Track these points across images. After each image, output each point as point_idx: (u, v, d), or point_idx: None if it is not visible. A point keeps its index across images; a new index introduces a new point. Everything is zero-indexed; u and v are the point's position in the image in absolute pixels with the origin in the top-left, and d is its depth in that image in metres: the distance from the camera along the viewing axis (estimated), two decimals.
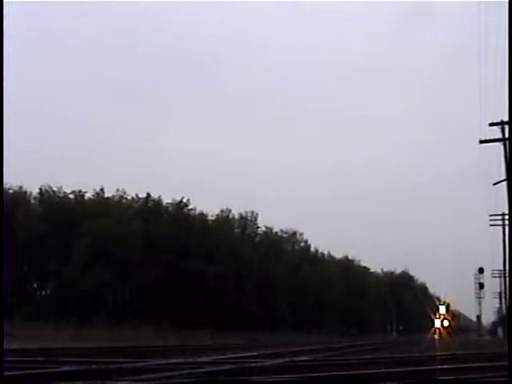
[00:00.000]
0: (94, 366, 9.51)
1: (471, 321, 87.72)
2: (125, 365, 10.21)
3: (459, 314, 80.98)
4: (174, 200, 45.77)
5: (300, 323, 49.22)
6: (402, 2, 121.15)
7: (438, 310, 60.24)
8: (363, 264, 72.46)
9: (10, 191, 40.41)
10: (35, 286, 43.35)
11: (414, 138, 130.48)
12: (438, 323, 58.47)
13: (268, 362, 11.69)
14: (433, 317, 60.03)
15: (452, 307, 78.37)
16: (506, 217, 39.52)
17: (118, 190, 44.52)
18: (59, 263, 40.20)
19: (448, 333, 56.15)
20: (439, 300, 64.36)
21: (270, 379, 8.94)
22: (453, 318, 65.62)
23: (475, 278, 62.09)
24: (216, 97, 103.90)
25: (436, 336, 53.09)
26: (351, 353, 18.95)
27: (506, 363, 8.62)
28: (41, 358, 11.63)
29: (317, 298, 53.89)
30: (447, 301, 64.31)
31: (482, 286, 60.28)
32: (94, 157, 73.33)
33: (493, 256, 50.23)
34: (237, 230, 50.61)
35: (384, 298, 71.28)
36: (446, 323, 58.92)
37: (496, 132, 29.26)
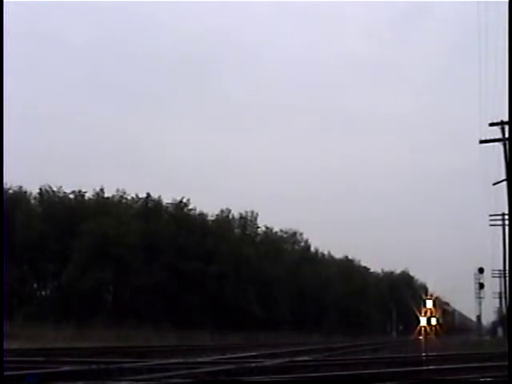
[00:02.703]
0: (94, 366, 9.50)
1: (471, 320, 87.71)
2: (125, 365, 10.21)
3: (454, 311, 74.93)
4: (174, 200, 45.78)
5: (300, 323, 49.17)
6: (402, 1, 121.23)
7: (424, 304, 52.84)
8: (363, 264, 72.51)
9: (10, 191, 40.37)
10: (35, 286, 43.27)
11: (414, 138, 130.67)
12: (423, 321, 51.21)
13: (268, 362, 11.69)
14: (418, 314, 52.43)
15: (448, 303, 75.26)
16: (506, 217, 39.57)
17: (118, 190, 44.51)
18: (59, 263, 40.21)
19: (436, 333, 49.46)
20: (426, 294, 57.12)
21: (269, 379, 8.94)
22: (444, 315, 59.79)
23: (475, 278, 61.93)
24: (216, 97, 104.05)
25: (421, 337, 46.31)
26: (351, 353, 18.95)
27: (501, 363, 8.63)
28: (41, 358, 11.63)
29: (317, 298, 53.83)
30: (436, 294, 58.11)
31: (482, 285, 60.12)
32: (93, 157, 73.42)
33: (493, 256, 50.30)
34: (237, 230, 50.57)
35: (384, 298, 71.25)
36: (433, 321, 51.47)
37: (496, 132, 29.31)
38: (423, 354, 16.64)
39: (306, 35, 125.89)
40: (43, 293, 43.49)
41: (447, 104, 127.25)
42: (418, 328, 50.78)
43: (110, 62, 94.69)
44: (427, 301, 53.02)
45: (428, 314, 51.65)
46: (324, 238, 77.26)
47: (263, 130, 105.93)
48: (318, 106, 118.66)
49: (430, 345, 29.40)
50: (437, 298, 56.29)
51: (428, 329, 49.93)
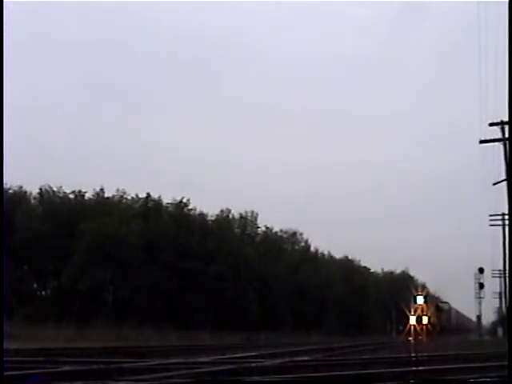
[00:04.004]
0: (94, 366, 9.52)
1: (470, 320, 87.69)
2: (125, 365, 10.22)
3: (450, 309, 70.91)
4: (174, 200, 45.73)
5: (300, 323, 49.16)
6: (402, 1, 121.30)
7: (414, 301, 46.39)
8: (363, 264, 72.48)
9: (10, 191, 40.34)
10: (35, 286, 43.25)
11: (414, 138, 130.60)
12: (412, 319, 44.65)
13: (268, 362, 11.72)
14: (407, 312, 45.83)
15: (443, 301, 71.55)
16: (506, 217, 39.67)
17: (118, 190, 44.45)
18: (59, 263, 40.17)
19: (428, 333, 43.85)
20: (417, 289, 50.74)
21: (269, 379, 8.95)
22: (439, 313, 56.14)
23: (475, 278, 62.00)
24: (216, 97, 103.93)
25: (410, 338, 40.58)
26: (351, 353, 18.98)
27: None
28: (41, 358, 11.66)
29: (317, 298, 53.82)
30: (428, 290, 53.86)
31: (482, 285, 60.17)
32: (93, 157, 73.42)
33: (493, 256, 50.39)
34: (237, 230, 50.54)
35: (384, 298, 71.20)
36: (424, 320, 44.95)
37: (496, 132, 29.38)
38: (413, 355, 16.55)
39: (306, 35, 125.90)
40: (43, 293, 43.49)
41: (447, 104, 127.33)
42: (408, 327, 44.74)
43: (110, 62, 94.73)
44: (418, 297, 46.88)
45: (418, 311, 45.24)
46: (324, 237, 77.26)
47: (263, 130, 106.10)
48: (318, 106, 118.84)
49: (422, 346, 27.32)
50: (429, 293, 52.42)
51: (418, 328, 43.95)
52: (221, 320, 40.21)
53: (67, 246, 39.08)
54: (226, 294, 42.66)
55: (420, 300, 46.14)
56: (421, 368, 11.54)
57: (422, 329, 44.03)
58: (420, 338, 40.51)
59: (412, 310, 45.35)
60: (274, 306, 47.52)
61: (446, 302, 69.55)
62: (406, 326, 45.64)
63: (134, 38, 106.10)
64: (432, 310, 49.40)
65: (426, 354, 16.76)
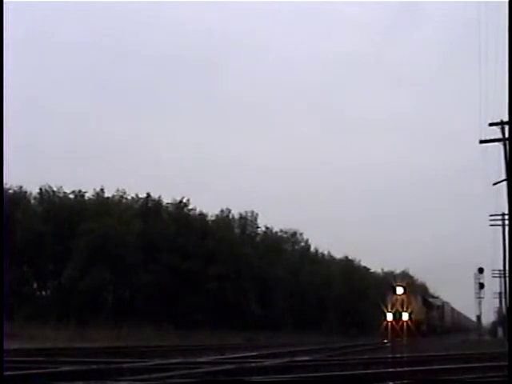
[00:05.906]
0: (94, 366, 9.53)
1: (469, 319, 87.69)
2: (125, 365, 10.22)
3: (443, 305, 63.98)
4: (174, 200, 45.81)
5: (300, 323, 49.18)
6: (402, 1, 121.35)
7: (394, 292, 38.40)
8: (363, 264, 72.40)
9: (10, 191, 40.34)
10: (35, 286, 43.26)
11: (414, 138, 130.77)
12: (390, 316, 35.73)
13: (268, 362, 11.71)
14: (383, 308, 37.11)
15: (435, 296, 66.39)
16: (506, 217, 39.61)
17: (117, 190, 44.49)
18: (59, 263, 40.22)
19: (410, 333, 33.99)
20: (396, 280, 41.87)
21: (269, 379, 8.95)
22: (426, 309, 49.46)
23: (475, 278, 61.87)
24: (216, 97, 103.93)
25: (386, 340, 31.44)
26: (351, 353, 18.97)
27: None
28: (41, 358, 11.66)
29: (317, 298, 53.84)
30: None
31: (482, 285, 60.07)
32: (93, 157, 73.42)
33: (493, 256, 50.33)
34: (237, 230, 50.56)
35: (384, 298, 71.04)
36: (404, 316, 35.78)
37: (496, 132, 29.32)
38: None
39: (306, 35, 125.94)
40: (43, 293, 43.49)
41: (447, 104, 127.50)
42: (384, 325, 35.60)
43: (110, 61, 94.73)
44: (397, 288, 38.23)
45: (397, 305, 36.75)
46: (324, 238, 77.36)
47: (263, 130, 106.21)
48: (317, 105, 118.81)
49: (398, 349, 21.83)
50: (410, 284, 44.14)
51: (397, 327, 34.99)
52: (221, 320, 40.21)
53: (67, 245, 39.12)
54: (225, 293, 42.67)
55: (399, 291, 38.21)
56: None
57: (401, 327, 35.17)
58: (399, 339, 31.85)
59: (389, 305, 37.26)
60: (274, 306, 47.53)
61: (434, 296, 67.88)
62: (381, 324, 36.90)
63: (134, 37, 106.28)
64: (416, 304, 42.10)
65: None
